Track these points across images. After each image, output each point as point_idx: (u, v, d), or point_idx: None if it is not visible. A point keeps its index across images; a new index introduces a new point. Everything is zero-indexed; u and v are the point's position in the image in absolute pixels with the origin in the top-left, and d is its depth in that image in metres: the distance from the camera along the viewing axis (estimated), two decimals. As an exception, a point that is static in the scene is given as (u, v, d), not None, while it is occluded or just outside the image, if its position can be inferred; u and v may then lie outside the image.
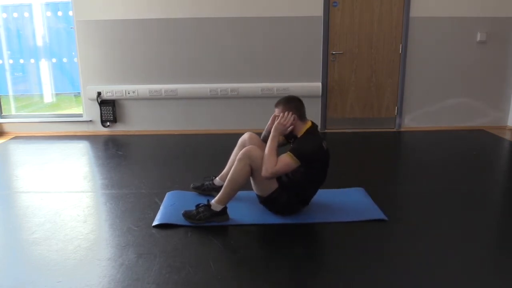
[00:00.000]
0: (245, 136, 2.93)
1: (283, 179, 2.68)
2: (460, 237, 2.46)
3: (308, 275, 2.09)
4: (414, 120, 5.30)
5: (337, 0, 4.95)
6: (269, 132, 2.68)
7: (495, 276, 2.08)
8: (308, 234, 2.54)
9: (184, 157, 4.28)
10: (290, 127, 2.62)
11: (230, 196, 2.60)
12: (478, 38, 5.04)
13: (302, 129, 2.64)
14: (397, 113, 5.28)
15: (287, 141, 2.80)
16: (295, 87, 5.08)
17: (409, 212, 2.84)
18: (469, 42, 5.07)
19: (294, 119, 2.61)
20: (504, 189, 3.40)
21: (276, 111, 2.67)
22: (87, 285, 2.00)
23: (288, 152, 2.54)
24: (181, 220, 2.62)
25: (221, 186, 2.82)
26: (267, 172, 2.50)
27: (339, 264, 2.20)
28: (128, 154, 4.50)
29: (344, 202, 2.93)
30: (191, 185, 3.10)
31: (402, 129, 5.29)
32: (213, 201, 2.61)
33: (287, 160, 2.52)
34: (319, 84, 5.10)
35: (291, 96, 2.71)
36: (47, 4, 5.35)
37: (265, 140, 2.74)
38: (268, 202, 2.68)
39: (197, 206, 2.62)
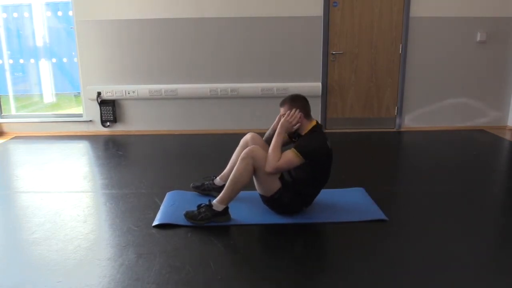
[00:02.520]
0: (247, 136, 2.93)
1: (286, 179, 2.69)
2: (460, 237, 2.46)
3: (308, 275, 2.09)
4: (414, 120, 5.30)
5: (337, 0, 4.95)
6: (273, 132, 2.70)
7: (496, 276, 2.08)
8: (308, 234, 2.54)
9: (184, 157, 4.28)
10: (297, 125, 2.63)
11: (232, 196, 2.60)
12: (478, 38, 5.04)
13: (307, 127, 2.64)
14: (397, 113, 5.28)
15: (291, 139, 2.80)
16: (295, 87, 5.08)
17: (409, 212, 2.84)
18: (469, 42, 5.07)
19: (300, 117, 2.62)
20: (504, 189, 3.40)
21: (282, 110, 2.67)
22: (87, 285, 2.00)
23: (292, 148, 2.55)
24: (181, 220, 2.62)
25: (222, 186, 2.82)
26: (270, 167, 2.52)
27: (339, 264, 2.21)
28: (128, 154, 4.51)
29: (344, 202, 2.93)
30: (191, 185, 3.10)
31: (402, 129, 5.29)
32: (214, 201, 2.60)
33: (290, 156, 2.53)
34: (319, 84, 5.10)
35: (296, 95, 2.71)
36: (47, 4, 5.34)
37: (268, 140, 2.75)
38: (271, 202, 2.69)
39: (199, 206, 2.62)
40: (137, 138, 5.08)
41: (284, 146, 2.78)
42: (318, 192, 2.74)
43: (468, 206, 2.93)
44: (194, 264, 2.17)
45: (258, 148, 2.61)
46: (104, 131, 5.27)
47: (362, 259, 2.22)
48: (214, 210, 2.58)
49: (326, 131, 5.21)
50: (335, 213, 2.76)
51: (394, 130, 5.31)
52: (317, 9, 4.94)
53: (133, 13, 4.94)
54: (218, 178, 3.02)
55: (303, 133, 2.65)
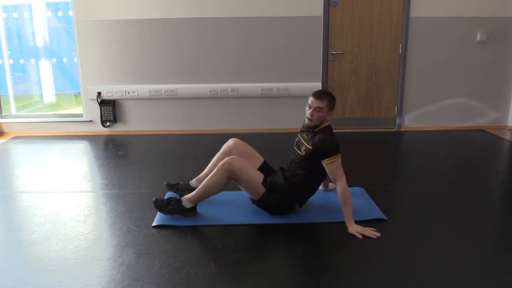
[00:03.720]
0: (230, 142, 2.93)
1: (274, 181, 2.68)
2: (460, 237, 2.46)
3: (307, 275, 2.09)
4: (414, 120, 5.30)
5: (337, 0, 4.95)
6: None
7: (496, 276, 2.08)
8: (308, 234, 2.54)
9: (184, 157, 4.28)
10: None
11: (201, 199, 2.66)
12: (478, 38, 5.04)
13: (323, 125, 2.64)
14: (397, 113, 5.28)
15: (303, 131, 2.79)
16: (295, 87, 5.08)
17: (408, 212, 2.84)
18: (469, 42, 5.07)
19: (330, 116, 2.63)
20: (504, 189, 3.40)
21: (318, 103, 2.56)
22: (87, 285, 2.00)
23: (325, 160, 2.53)
24: (180, 221, 2.63)
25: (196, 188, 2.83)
26: (344, 187, 2.52)
27: (339, 264, 2.21)
28: (128, 154, 4.51)
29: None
30: (165, 183, 3.09)
31: (402, 129, 5.29)
32: (184, 198, 2.66)
33: (333, 165, 2.53)
34: (319, 84, 5.10)
35: (331, 93, 2.67)
36: (47, 4, 5.35)
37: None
38: (259, 204, 2.70)
39: (169, 199, 2.68)
40: (137, 138, 5.08)
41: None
42: (312, 192, 2.75)
43: (467, 206, 2.93)
44: (194, 264, 2.17)
45: (237, 159, 2.60)
46: (104, 131, 5.27)
47: (362, 259, 2.22)
48: (182, 205, 2.64)
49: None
50: (335, 212, 2.75)
51: (394, 130, 5.31)
52: (317, 9, 4.94)
53: (133, 13, 4.94)
54: (194, 180, 3.02)
55: (317, 129, 2.63)
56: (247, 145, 2.93)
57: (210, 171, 2.83)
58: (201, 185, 2.65)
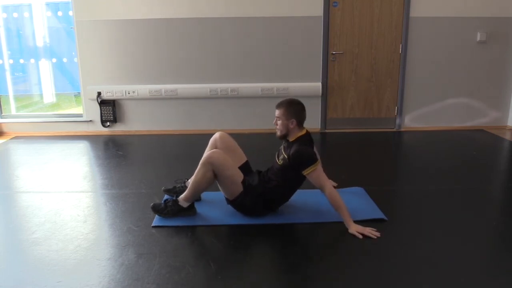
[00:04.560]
0: (216, 135, 2.92)
1: (250, 183, 2.68)
2: (459, 237, 2.46)
3: (307, 274, 2.09)
4: (414, 120, 5.30)
5: (337, 0, 4.95)
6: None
7: (496, 276, 2.08)
8: (308, 234, 2.54)
9: (184, 157, 4.28)
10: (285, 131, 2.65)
11: (195, 196, 2.69)
12: (478, 38, 5.04)
13: (295, 134, 2.64)
14: (397, 113, 5.28)
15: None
16: (295, 87, 5.08)
17: (408, 212, 2.84)
18: (469, 42, 5.07)
19: (292, 124, 2.61)
20: (504, 189, 3.40)
21: (277, 112, 2.65)
22: (87, 285, 2.00)
23: (305, 170, 2.53)
24: (180, 221, 2.63)
25: None
26: (331, 191, 2.52)
27: (339, 264, 2.21)
28: (128, 154, 4.51)
29: (343, 201, 2.93)
30: (162, 188, 3.10)
31: (402, 129, 5.29)
32: (180, 198, 2.68)
33: (315, 174, 2.52)
34: (319, 84, 5.10)
35: (294, 100, 2.67)
36: (47, 4, 5.35)
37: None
38: (233, 204, 2.70)
39: (166, 201, 2.70)
40: (137, 138, 5.08)
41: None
42: (284, 200, 2.75)
43: (467, 206, 2.93)
44: (194, 264, 2.17)
45: (219, 153, 2.59)
46: (104, 131, 5.27)
47: (362, 259, 2.22)
48: (180, 206, 2.66)
49: (327, 131, 5.24)
50: (335, 213, 2.76)
51: (394, 130, 5.31)
52: (317, 9, 4.94)
53: (133, 13, 4.94)
54: (190, 180, 2.99)
55: (291, 140, 2.65)
56: (233, 140, 2.92)
57: None
58: (190, 182, 2.68)
